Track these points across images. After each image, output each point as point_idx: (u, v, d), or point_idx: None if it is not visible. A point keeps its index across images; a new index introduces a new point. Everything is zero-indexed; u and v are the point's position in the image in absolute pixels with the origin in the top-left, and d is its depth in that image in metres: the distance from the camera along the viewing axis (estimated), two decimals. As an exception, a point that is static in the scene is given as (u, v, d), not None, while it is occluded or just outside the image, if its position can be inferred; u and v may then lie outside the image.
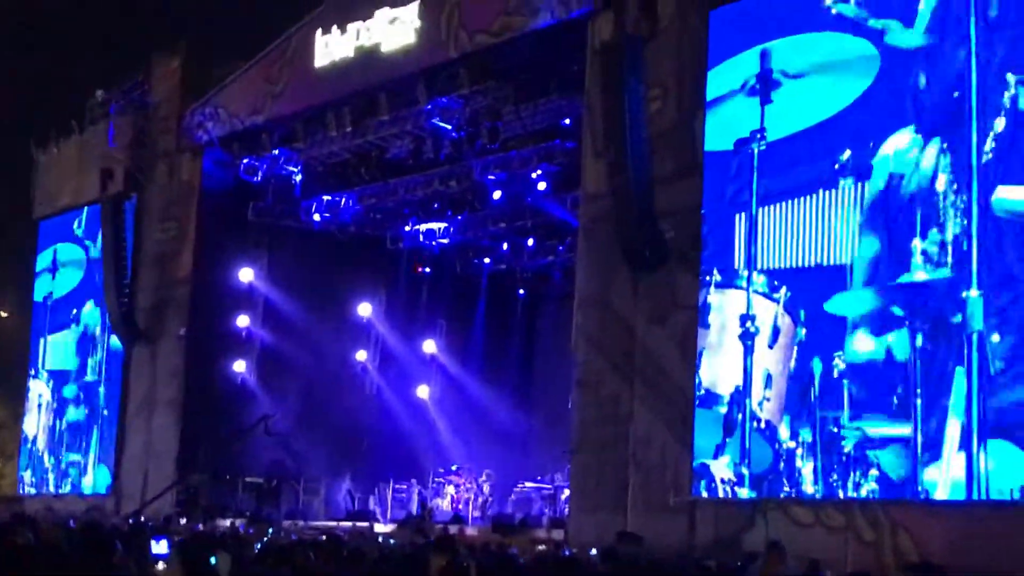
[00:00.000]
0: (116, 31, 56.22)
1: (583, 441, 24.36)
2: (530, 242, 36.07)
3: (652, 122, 23.12)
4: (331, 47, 30.66)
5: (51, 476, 39.47)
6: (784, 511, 20.41)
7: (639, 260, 23.34)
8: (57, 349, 40.08)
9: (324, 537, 17.99)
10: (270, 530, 24.05)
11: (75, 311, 39.30)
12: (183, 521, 29.34)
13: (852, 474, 19.67)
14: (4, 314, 54.32)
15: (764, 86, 21.91)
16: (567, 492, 26.32)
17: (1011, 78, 18.30)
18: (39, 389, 40.97)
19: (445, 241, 36.73)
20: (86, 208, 38.47)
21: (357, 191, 34.77)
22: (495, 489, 33.24)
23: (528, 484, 32.57)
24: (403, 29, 28.82)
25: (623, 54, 23.31)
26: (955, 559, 17.06)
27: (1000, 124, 18.34)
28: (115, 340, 36.77)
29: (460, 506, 33.14)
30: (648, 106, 23.15)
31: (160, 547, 10.46)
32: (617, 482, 23.22)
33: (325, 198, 35.36)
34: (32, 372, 41.41)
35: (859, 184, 20.21)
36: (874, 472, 19.38)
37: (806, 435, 20.41)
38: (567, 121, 28.64)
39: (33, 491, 39.91)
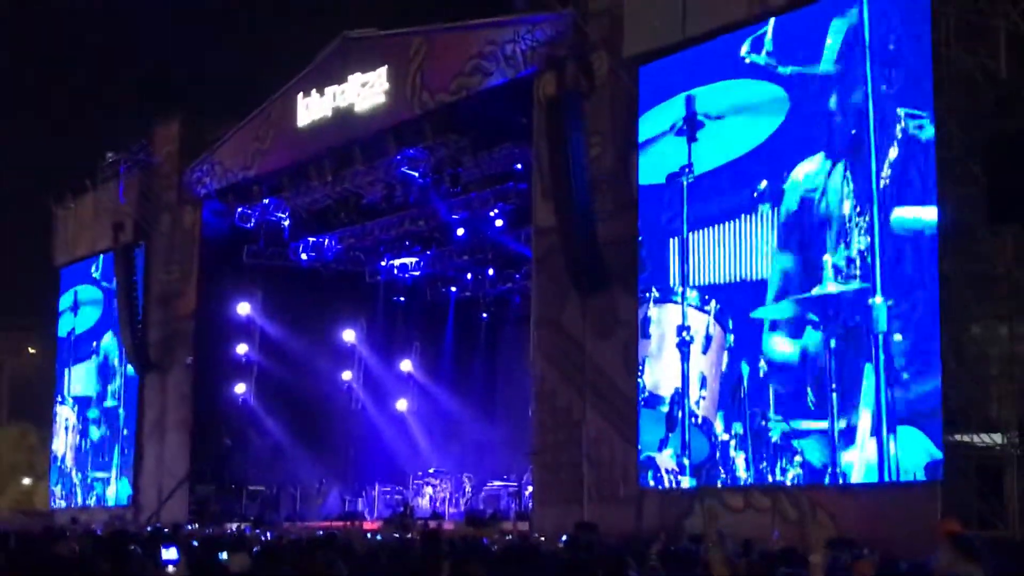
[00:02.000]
0: (120, 100, 56.16)
1: (542, 444, 24.36)
2: (491, 272, 36.09)
3: (592, 165, 23.21)
4: (311, 108, 30.63)
5: (79, 490, 39.15)
6: (718, 498, 20.48)
7: (585, 284, 23.40)
8: (80, 378, 39.80)
9: (321, 534, 17.96)
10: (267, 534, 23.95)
11: (95, 343, 39.05)
12: (195, 526, 29.21)
13: (779, 461, 19.75)
14: (32, 351, 54.05)
15: (690, 127, 21.99)
16: (530, 489, 26.29)
17: (901, 112, 18.48)
18: (65, 414, 40.66)
19: (416, 273, 36.74)
20: (101, 255, 38.27)
21: (338, 232, 34.71)
22: (474, 488, 33.20)
23: (496, 483, 32.52)
24: (374, 91, 28.83)
25: (565, 108, 23.37)
26: (868, 533, 17.20)
27: (894, 152, 18.51)
28: (131, 368, 36.60)
29: (438, 504, 33.08)
30: (588, 151, 23.22)
31: (170, 553, 10.38)
32: (573, 478, 23.24)
33: (310, 239, 35.29)
34: (59, 399, 41.10)
35: (775, 209, 20.35)
36: (798, 459, 19.46)
37: (738, 428, 20.49)
38: (519, 166, 28.63)
39: (63, 504, 39.59)
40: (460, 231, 32.64)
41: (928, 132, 18.02)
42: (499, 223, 31.09)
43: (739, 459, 20.42)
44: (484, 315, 38.92)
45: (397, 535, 22.57)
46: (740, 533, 18.20)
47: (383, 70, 28.59)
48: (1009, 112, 17.39)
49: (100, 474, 37.89)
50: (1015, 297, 17.42)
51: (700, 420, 21.25)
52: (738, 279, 20.87)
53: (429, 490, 33.89)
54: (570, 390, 23.63)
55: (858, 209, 18.95)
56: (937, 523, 16.07)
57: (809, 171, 19.87)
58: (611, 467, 22.56)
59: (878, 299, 18.52)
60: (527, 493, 27.82)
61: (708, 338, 21.35)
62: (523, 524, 25.21)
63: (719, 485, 20.69)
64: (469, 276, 36.99)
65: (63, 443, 40.57)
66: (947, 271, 17.55)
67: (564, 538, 18.55)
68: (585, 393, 23.28)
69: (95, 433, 38.48)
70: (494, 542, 19.83)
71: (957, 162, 17.69)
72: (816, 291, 19.51)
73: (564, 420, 23.70)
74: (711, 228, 21.43)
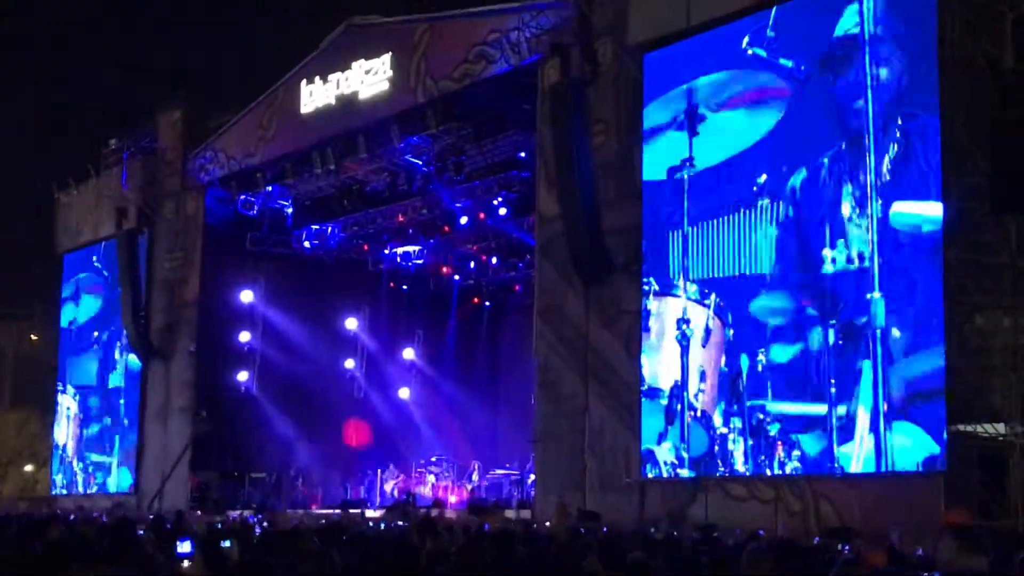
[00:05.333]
0: (124, 87, 56.20)
1: (545, 432, 24.40)
2: (494, 260, 36.21)
3: (596, 153, 23.23)
4: (315, 96, 30.65)
5: (80, 478, 39.22)
6: (722, 487, 20.54)
7: (588, 273, 23.44)
8: (81, 367, 39.84)
9: (324, 522, 18.00)
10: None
11: (96, 333, 39.10)
12: (197, 513, 29.26)
13: (777, 454, 19.81)
14: (34, 337, 54.13)
15: (691, 120, 22.01)
16: (532, 477, 26.34)
17: (901, 108, 18.55)
18: (67, 402, 40.71)
19: (419, 261, 36.84)
20: (103, 243, 38.32)
21: (341, 220, 34.76)
22: (477, 475, 33.28)
23: (498, 471, 32.60)
24: (377, 79, 28.86)
25: (569, 95, 23.41)
26: (870, 523, 17.23)
27: (894, 149, 18.56)
28: (131, 358, 36.67)
29: (440, 492, 33.13)
30: (592, 139, 23.25)
31: (184, 547, 10.41)
32: (575, 467, 23.28)
33: (313, 227, 35.34)
34: (60, 388, 41.16)
35: (774, 203, 20.37)
36: (796, 452, 19.53)
37: (736, 422, 20.55)
38: (522, 154, 28.69)
39: (64, 492, 39.66)
40: (463, 219, 32.68)
41: (931, 125, 18.04)
42: (502, 211, 31.16)
43: (737, 452, 20.48)
44: (487, 303, 39.04)
45: (399, 523, 22.60)
46: (743, 522, 18.32)
47: (387, 57, 28.61)
48: (1014, 102, 17.37)
49: (101, 459, 37.96)
50: (1019, 287, 17.42)
51: (699, 413, 21.31)
52: (737, 273, 20.93)
53: (431, 478, 33.96)
54: (573, 378, 23.66)
55: (857, 207, 18.99)
56: (943, 514, 16.21)
57: (808, 166, 19.90)
58: (614, 455, 22.61)
59: (876, 294, 18.55)
60: (529, 481, 27.87)
61: (708, 331, 21.40)
62: (525, 512, 25.24)
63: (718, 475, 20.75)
64: (472, 264, 37.10)
65: (64, 432, 40.64)
66: (950, 261, 17.57)
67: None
68: (588, 382, 23.31)
69: (96, 422, 38.54)
70: (495, 530, 19.86)
71: (961, 152, 17.69)
72: (814, 283, 19.54)
73: (567, 408, 23.74)
74: (711, 222, 21.49)
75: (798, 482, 19.31)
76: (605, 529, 18.50)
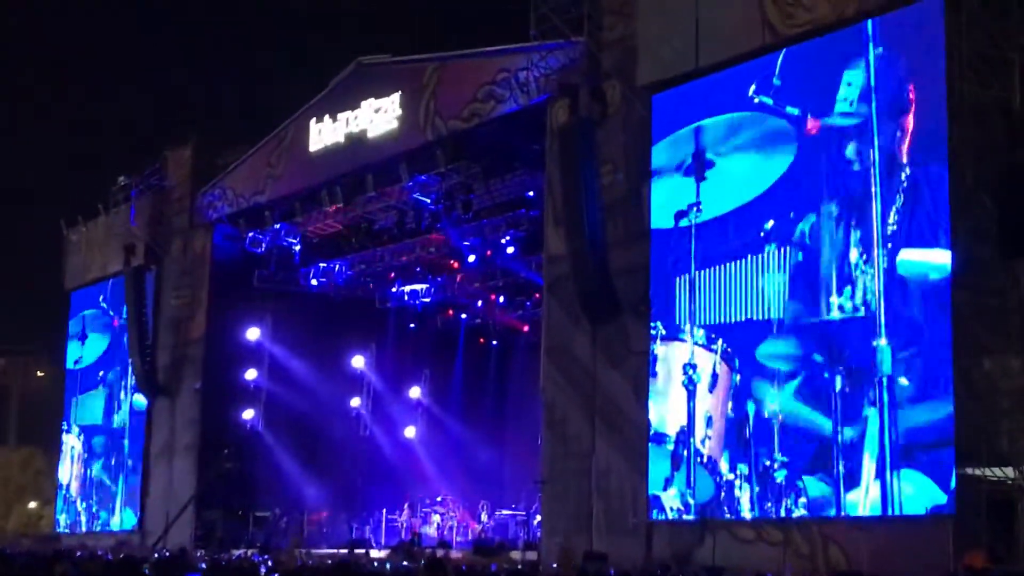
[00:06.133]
0: (133, 125, 56.46)
1: (552, 473, 24.34)
2: (501, 299, 36.20)
3: (604, 193, 23.27)
4: (324, 134, 30.77)
5: (83, 517, 39.17)
6: (728, 530, 20.47)
7: (597, 313, 23.42)
8: (86, 406, 39.84)
9: (329, 562, 17.96)
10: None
11: (102, 373, 39.15)
12: (200, 552, 29.19)
13: (784, 500, 19.77)
14: (41, 374, 54.17)
15: (699, 164, 22.06)
16: (539, 518, 26.25)
17: (905, 160, 18.62)
18: (71, 442, 40.69)
19: (427, 300, 36.80)
20: (111, 280, 38.41)
21: (349, 258, 34.84)
22: (489, 516, 33.19)
23: (504, 511, 32.51)
24: (386, 117, 28.97)
25: (578, 135, 23.46)
26: (878, 567, 17.18)
27: (900, 200, 18.61)
28: (137, 398, 36.68)
29: (445, 532, 33.05)
30: (600, 179, 23.30)
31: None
32: (582, 508, 23.20)
33: (321, 265, 35.43)
34: (65, 427, 41.15)
35: (781, 249, 20.41)
36: (803, 500, 19.48)
37: (743, 468, 20.51)
38: (531, 193, 28.74)
39: (68, 530, 39.58)
40: (471, 258, 32.74)
41: (939, 172, 18.07)
42: (510, 250, 31.19)
43: (744, 498, 20.45)
44: (494, 342, 39.00)
45: (404, 563, 22.54)
46: (750, 565, 18.26)
47: (396, 96, 28.75)
48: (1022, 145, 17.43)
49: (105, 497, 37.90)
50: (1027, 330, 17.43)
51: (706, 459, 21.28)
52: (744, 319, 20.94)
53: (437, 518, 33.86)
54: (580, 419, 23.62)
55: (864, 253, 19.03)
56: (965, 556, 16.10)
57: (817, 212, 19.95)
58: (621, 497, 22.54)
59: (883, 341, 18.55)
60: (535, 522, 27.78)
61: (715, 377, 21.38)
62: (531, 553, 25.15)
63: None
64: (480, 303, 37.08)
65: (69, 471, 40.63)
66: (958, 303, 17.57)
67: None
68: (595, 423, 23.28)
69: (101, 462, 38.52)
70: (502, 571, 19.81)
71: (970, 195, 17.73)
72: (822, 330, 19.54)
73: (574, 449, 23.69)
74: (718, 267, 21.50)
75: (806, 525, 19.24)
76: (612, 572, 18.46)
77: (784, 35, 20.53)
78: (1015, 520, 17.06)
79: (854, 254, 19.21)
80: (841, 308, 19.32)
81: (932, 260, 18.09)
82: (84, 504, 39.19)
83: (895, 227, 18.67)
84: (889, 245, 18.72)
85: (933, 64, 18.41)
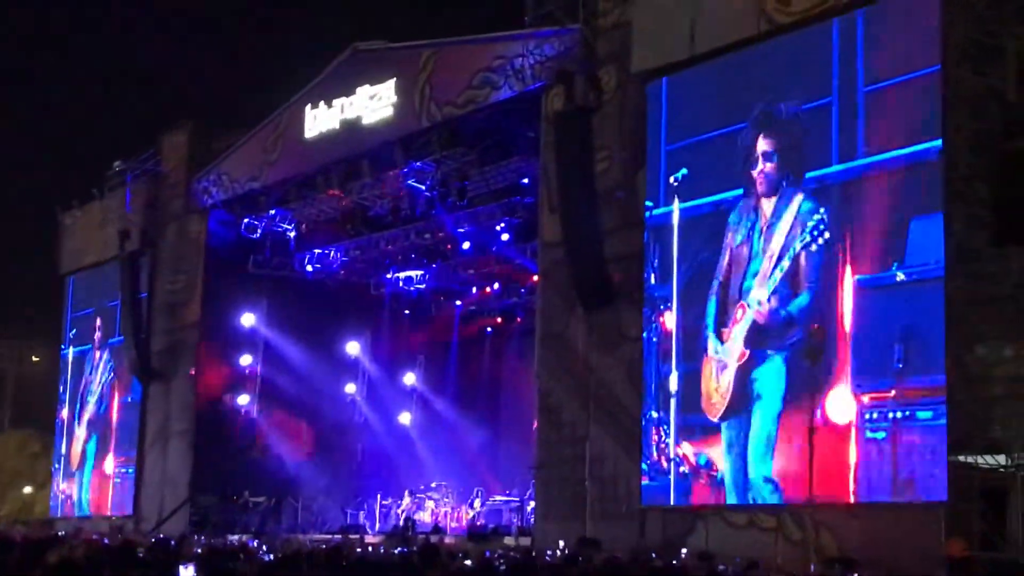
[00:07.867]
0: (129, 109, 56.40)
1: (545, 459, 24.38)
2: (496, 286, 36.22)
3: (599, 180, 23.27)
4: (319, 120, 30.75)
5: (78, 500, 39.17)
6: (721, 516, 20.52)
7: (591, 299, 23.44)
8: (82, 390, 39.81)
9: (324, 547, 17.97)
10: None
11: (97, 356, 39.13)
12: (197, 538, 29.19)
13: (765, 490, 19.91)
14: (36, 358, 54.18)
15: (694, 152, 22.16)
16: (532, 504, 26.30)
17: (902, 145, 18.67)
18: (67, 426, 40.69)
19: (422, 286, 36.85)
20: (105, 264, 38.36)
21: (344, 244, 34.83)
22: (482, 503, 33.22)
23: (498, 497, 32.54)
24: (381, 104, 28.96)
25: (573, 122, 23.48)
26: (870, 553, 17.23)
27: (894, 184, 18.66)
28: (132, 383, 36.65)
29: (439, 518, 33.08)
30: (595, 167, 23.31)
31: (187, 573, 10.42)
32: (576, 494, 23.25)
33: (316, 251, 35.40)
34: (60, 410, 41.14)
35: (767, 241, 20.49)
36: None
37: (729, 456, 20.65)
38: (526, 180, 28.76)
39: (63, 513, 39.59)
40: (466, 244, 32.74)
41: (934, 158, 18.08)
42: (505, 237, 31.20)
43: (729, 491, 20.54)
44: (488, 329, 38.98)
45: (398, 549, 22.56)
46: (742, 551, 18.29)
47: (392, 82, 28.72)
48: (1017, 133, 17.44)
49: (100, 480, 37.93)
50: (1021, 318, 17.44)
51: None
52: (736, 313, 20.91)
53: (431, 504, 33.90)
54: (574, 405, 23.66)
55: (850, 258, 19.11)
56: (943, 545, 16.17)
57: (800, 211, 19.95)
58: (614, 483, 22.57)
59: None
60: (529, 508, 27.82)
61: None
62: (525, 539, 25.20)
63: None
64: (474, 290, 37.11)
65: (64, 454, 40.59)
66: (952, 291, 17.59)
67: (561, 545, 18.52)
68: (589, 408, 23.31)
69: (95, 447, 38.52)
70: (495, 556, 19.82)
71: (964, 183, 17.74)
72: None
73: (568, 435, 23.72)
74: (707, 260, 21.52)
75: (798, 510, 19.28)
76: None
77: (779, 23, 20.51)
78: (1007, 508, 17.09)
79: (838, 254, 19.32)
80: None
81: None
82: (79, 487, 39.19)
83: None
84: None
85: (928, 52, 18.40)
